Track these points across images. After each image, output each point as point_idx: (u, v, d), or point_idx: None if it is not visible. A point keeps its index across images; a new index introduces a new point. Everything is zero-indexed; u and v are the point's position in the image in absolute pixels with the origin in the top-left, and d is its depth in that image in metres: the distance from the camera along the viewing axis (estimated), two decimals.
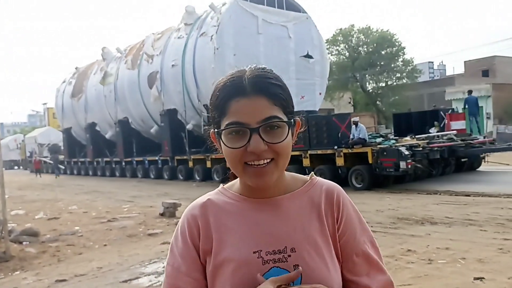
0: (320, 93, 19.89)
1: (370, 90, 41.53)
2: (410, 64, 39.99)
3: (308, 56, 18.80)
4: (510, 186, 10.82)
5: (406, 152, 11.45)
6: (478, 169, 14.78)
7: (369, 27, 40.48)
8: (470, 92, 18.04)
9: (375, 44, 39.11)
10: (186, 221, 1.09)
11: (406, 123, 16.67)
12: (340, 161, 12.74)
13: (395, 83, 40.05)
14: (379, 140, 13.25)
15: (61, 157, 31.77)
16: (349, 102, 39.91)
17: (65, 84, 29.95)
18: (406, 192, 11.08)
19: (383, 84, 40.70)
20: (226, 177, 1.20)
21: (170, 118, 19.74)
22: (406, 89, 39.15)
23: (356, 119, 13.04)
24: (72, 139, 29.60)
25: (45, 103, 55.02)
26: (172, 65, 19.10)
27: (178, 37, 19.35)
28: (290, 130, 0.98)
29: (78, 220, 10.11)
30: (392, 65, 39.46)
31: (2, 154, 7.38)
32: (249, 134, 0.96)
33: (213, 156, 17.42)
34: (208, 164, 17.61)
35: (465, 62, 47.17)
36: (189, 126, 19.04)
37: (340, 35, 40.35)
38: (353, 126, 12.69)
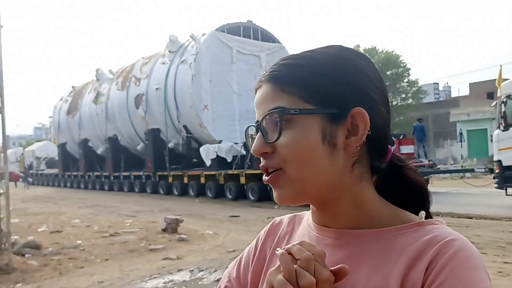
0: None
1: None
2: (415, 85, 40.40)
3: None
4: (462, 207, 11.54)
5: None
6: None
7: (375, 47, 41.12)
8: (419, 119, 19.74)
9: (380, 65, 39.23)
10: (270, 223, 0.91)
11: None
12: None
13: (400, 104, 40.21)
14: None
15: (55, 170, 33.58)
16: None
17: (62, 101, 31.83)
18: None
19: None
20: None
21: (153, 137, 21.44)
22: (411, 109, 38.99)
23: None
24: (66, 153, 31.33)
25: (51, 117, 56.91)
26: (156, 88, 20.89)
27: (163, 63, 21.18)
28: (312, 124, 0.68)
29: (80, 233, 10.09)
30: (397, 85, 39.88)
31: (3, 167, 7.70)
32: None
33: (190, 173, 19.13)
34: (185, 180, 19.27)
35: (470, 84, 47.81)
36: (170, 144, 20.73)
37: None
38: None
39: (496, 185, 11.40)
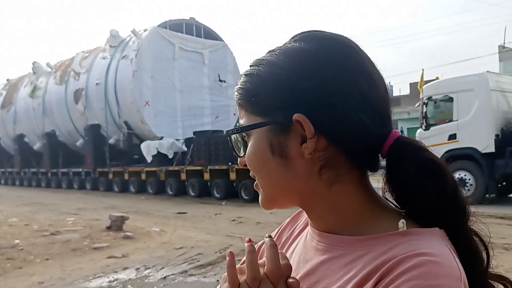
0: (234, 114, 21.93)
1: None
2: None
3: (221, 80, 20.86)
4: None
5: None
6: None
7: None
8: None
9: None
10: (298, 210, 0.87)
11: None
12: (233, 176, 14.69)
13: None
14: None
15: None
16: None
17: None
18: None
19: None
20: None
21: (93, 133, 21.04)
22: None
23: None
24: (0, 149, 29.98)
25: None
26: (97, 84, 20.53)
27: (103, 58, 20.84)
28: (262, 136, 0.68)
29: (18, 233, 9.59)
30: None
31: None
32: None
33: (131, 169, 19.01)
34: (126, 176, 19.12)
35: (410, 83, 49.96)
36: (111, 141, 20.45)
37: None
38: None
39: None
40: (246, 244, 0.66)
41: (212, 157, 15.61)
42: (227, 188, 14.95)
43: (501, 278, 0.69)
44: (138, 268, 6.55)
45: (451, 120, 11.30)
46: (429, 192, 0.64)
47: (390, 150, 0.67)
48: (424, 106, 11.91)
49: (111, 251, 7.71)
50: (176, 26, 19.96)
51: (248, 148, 0.70)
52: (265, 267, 0.63)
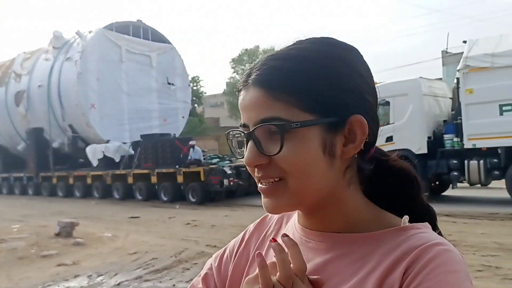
0: (183, 117, 21.98)
1: None
2: None
3: (169, 83, 20.83)
4: None
5: (229, 171, 13.76)
6: None
7: (273, 48, 42.61)
8: None
9: None
10: (260, 217, 0.88)
11: None
12: (180, 179, 14.75)
13: None
14: (215, 161, 15.49)
15: None
16: None
17: None
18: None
19: None
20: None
21: (36, 136, 20.39)
22: None
23: (193, 142, 15.23)
24: None
25: None
26: (39, 86, 19.92)
27: (46, 59, 20.26)
28: (313, 134, 0.65)
29: None
30: None
31: None
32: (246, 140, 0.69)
33: (75, 173, 18.59)
34: (71, 180, 18.67)
35: None
36: (55, 144, 19.90)
37: (246, 55, 42.09)
38: (191, 149, 14.82)
39: None
40: (272, 243, 0.62)
41: (159, 160, 15.61)
42: (175, 191, 14.98)
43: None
44: (90, 275, 6.37)
45: (388, 123, 11.81)
46: (404, 193, 0.74)
47: (373, 158, 0.74)
48: None
49: (61, 259, 7.42)
50: (122, 28, 19.75)
51: (288, 146, 0.64)
52: (292, 265, 0.60)
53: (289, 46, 0.70)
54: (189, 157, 14.75)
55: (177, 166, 14.83)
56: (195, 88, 46.52)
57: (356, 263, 0.66)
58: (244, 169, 14.66)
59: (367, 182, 0.73)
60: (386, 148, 11.45)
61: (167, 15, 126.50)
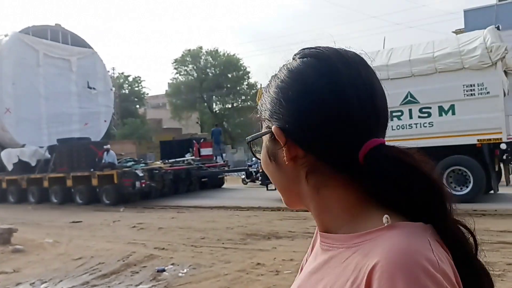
0: (105, 121, 22.24)
1: (217, 111, 42.61)
2: (254, 88, 41.18)
3: (90, 87, 21.06)
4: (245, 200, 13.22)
5: (141, 174, 14.39)
6: (223, 187, 18.36)
7: (217, 50, 42.41)
8: (216, 124, 22.50)
9: (222, 67, 41.11)
10: None
11: (170, 149, 19.84)
12: (95, 182, 15.17)
13: (240, 105, 41.98)
14: (130, 164, 16.01)
15: None
16: (197, 122, 41.10)
17: None
18: (252, 210, 11.65)
19: (229, 106, 42.18)
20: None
21: None
22: (250, 111, 40.19)
23: (108, 146, 15.72)
24: None
25: None
26: None
27: None
28: (264, 144, 0.77)
29: None
30: (238, 88, 41.67)
31: None
32: None
33: (7, 177, 18.15)
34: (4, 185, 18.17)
35: None
36: None
37: (189, 56, 41.59)
38: (105, 152, 15.30)
39: (260, 182, 13.99)
40: None
41: (74, 164, 15.92)
42: (90, 193, 15.40)
43: (484, 269, 0.71)
44: (33, 283, 6.16)
45: None
46: (405, 194, 0.67)
47: (367, 157, 0.68)
48: None
49: (0, 267, 7.12)
50: (40, 32, 19.79)
51: (262, 151, 0.79)
52: None
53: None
54: (103, 161, 15.19)
55: (92, 170, 15.23)
56: (136, 89, 45.98)
57: (341, 265, 0.67)
58: (157, 171, 15.35)
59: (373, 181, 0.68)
60: None
61: (107, 15, 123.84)
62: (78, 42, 21.27)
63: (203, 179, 17.49)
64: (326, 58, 0.73)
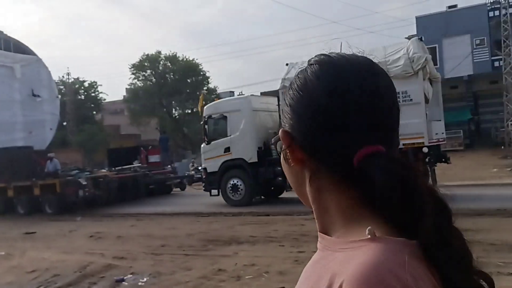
0: (51, 129, 21.55)
1: (177, 116, 42.37)
2: (214, 93, 41.34)
3: (34, 95, 20.31)
4: (200, 206, 13.47)
5: (84, 182, 14.21)
6: (172, 193, 18.40)
7: (176, 55, 41.99)
8: (163, 132, 22.54)
9: (181, 72, 40.71)
10: None
11: (118, 157, 19.55)
12: (37, 191, 14.79)
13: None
14: (74, 172, 15.77)
15: None
16: (156, 128, 39.95)
17: None
18: (214, 216, 11.74)
19: (189, 111, 41.70)
20: None
21: None
22: None
23: (52, 155, 15.44)
24: None
25: None
26: None
27: None
28: (286, 148, 0.79)
29: None
30: (198, 93, 40.01)
31: None
32: None
33: None
34: None
35: (261, 93, 51.66)
36: None
37: (147, 61, 40.92)
38: (48, 161, 14.85)
39: (204, 188, 14.07)
40: None
41: (15, 173, 15.39)
42: (32, 203, 14.92)
43: (483, 275, 0.68)
44: None
45: (226, 136, 13.22)
46: (393, 204, 0.66)
47: (360, 164, 0.69)
48: (205, 124, 13.75)
49: None
50: None
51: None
52: None
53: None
54: (46, 169, 14.74)
55: (33, 179, 14.81)
56: (93, 94, 44.54)
57: (324, 268, 0.69)
58: (102, 179, 15.14)
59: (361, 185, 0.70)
60: (225, 158, 13.02)
61: (57, 18, 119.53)
62: (21, 49, 20.63)
63: (150, 186, 17.45)
64: (329, 64, 0.76)
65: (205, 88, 42.67)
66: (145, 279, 6.11)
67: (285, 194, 14.01)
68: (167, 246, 8.19)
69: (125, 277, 6.25)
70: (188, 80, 41.58)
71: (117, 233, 9.87)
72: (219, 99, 14.79)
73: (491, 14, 28.44)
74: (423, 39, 11.84)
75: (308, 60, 0.81)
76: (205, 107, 14.10)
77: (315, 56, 0.80)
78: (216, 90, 43.55)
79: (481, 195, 10.94)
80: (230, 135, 13.06)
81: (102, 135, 34.79)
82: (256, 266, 6.15)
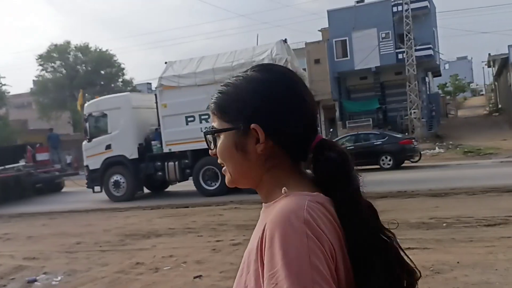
0: None
1: None
2: (130, 85, 41.18)
3: None
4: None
5: None
6: (62, 191, 18.07)
7: (87, 45, 40.30)
8: (51, 130, 22.79)
9: (94, 63, 39.09)
10: None
11: (2, 156, 18.13)
12: None
13: None
14: None
15: None
16: (69, 122, 38.29)
17: None
18: (132, 210, 11.63)
19: None
20: None
21: None
22: None
23: None
24: None
25: None
26: None
27: None
28: (229, 137, 0.96)
29: None
30: (112, 85, 39.89)
31: None
32: None
33: None
34: None
35: None
36: None
37: (56, 51, 38.92)
38: None
39: (86, 185, 14.06)
40: None
41: None
42: None
43: (387, 231, 0.96)
44: None
45: (107, 133, 13.36)
46: (329, 172, 0.92)
47: (315, 148, 0.95)
48: (86, 122, 13.74)
49: None
50: None
51: (218, 144, 0.98)
52: None
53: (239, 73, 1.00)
54: None
55: None
56: None
57: (260, 225, 0.92)
58: None
59: (313, 164, 0.95)
60: (107, 155, 13.20)
61: None
62: None
63: (37, 185, 17.02)
64: (275, 69, 1.00)
65: (120, 80, 41.52)
66: (59, 278, 5.95)
67: (170, 188, 14.71)
68: (82, 243, 7.98)
69: (37, 277, 6.05)
70: (102, 72, 40.22)
71: (28, 233, 9.46)
72: (136, 92, 14.57)
73: (394, 9, 30.19)
74: (287, 41, 12.67)
75: (250, 69, 1.01)
76: (85, 105, 14.21)
77: (255, 66, 1.01)
78: (132, 82, 42.55)
79: (383, 180, 11.84)
80: (110, 132, 13.29)
81: (7, 131, 32.15)
82: (174, 257, 6.25)
